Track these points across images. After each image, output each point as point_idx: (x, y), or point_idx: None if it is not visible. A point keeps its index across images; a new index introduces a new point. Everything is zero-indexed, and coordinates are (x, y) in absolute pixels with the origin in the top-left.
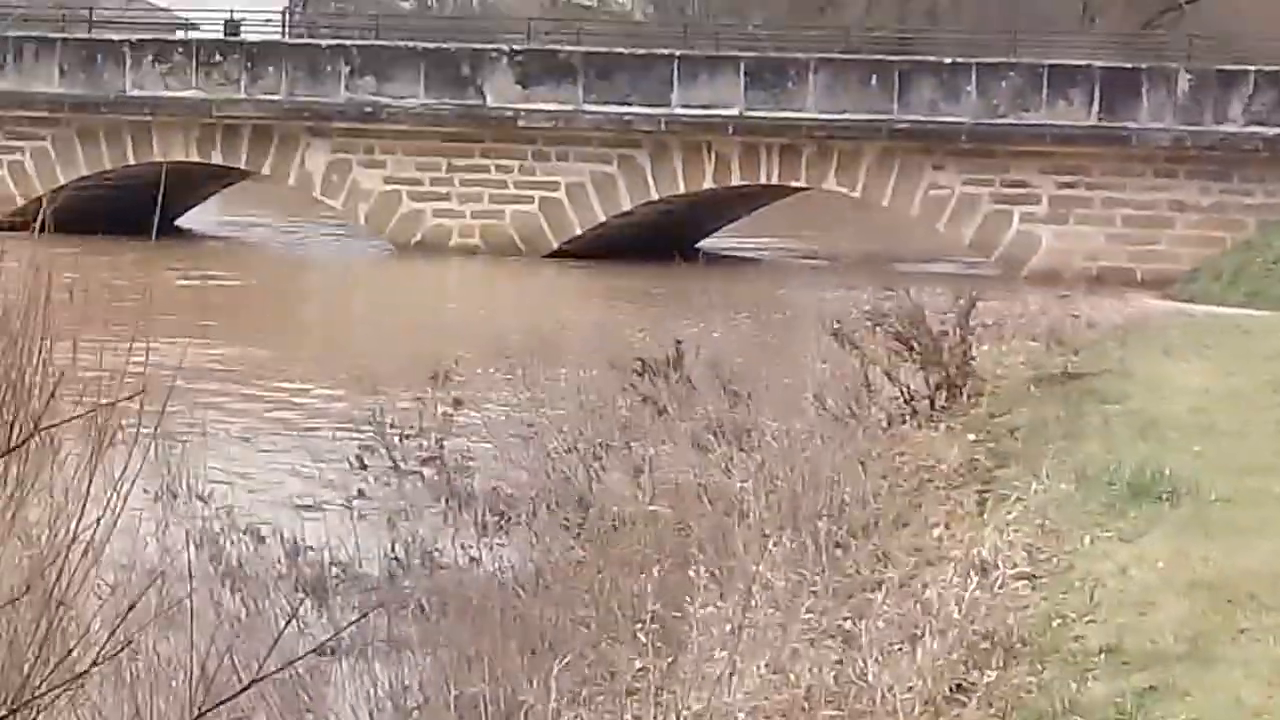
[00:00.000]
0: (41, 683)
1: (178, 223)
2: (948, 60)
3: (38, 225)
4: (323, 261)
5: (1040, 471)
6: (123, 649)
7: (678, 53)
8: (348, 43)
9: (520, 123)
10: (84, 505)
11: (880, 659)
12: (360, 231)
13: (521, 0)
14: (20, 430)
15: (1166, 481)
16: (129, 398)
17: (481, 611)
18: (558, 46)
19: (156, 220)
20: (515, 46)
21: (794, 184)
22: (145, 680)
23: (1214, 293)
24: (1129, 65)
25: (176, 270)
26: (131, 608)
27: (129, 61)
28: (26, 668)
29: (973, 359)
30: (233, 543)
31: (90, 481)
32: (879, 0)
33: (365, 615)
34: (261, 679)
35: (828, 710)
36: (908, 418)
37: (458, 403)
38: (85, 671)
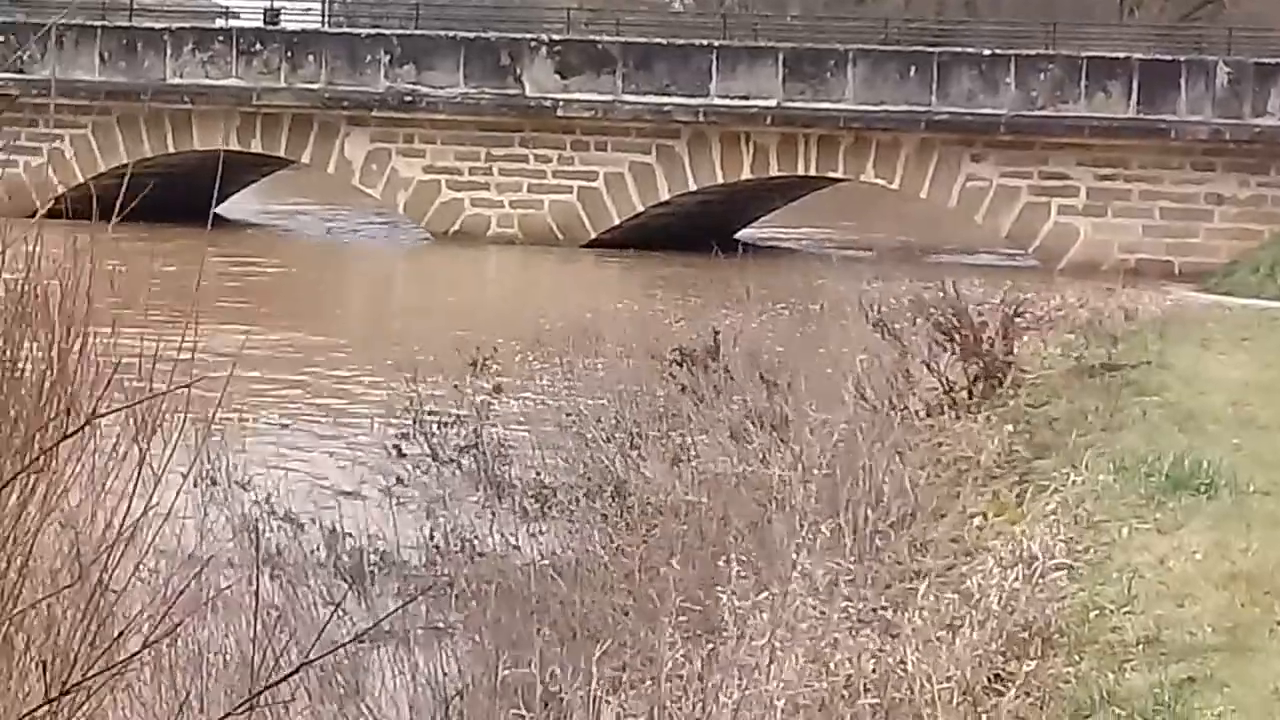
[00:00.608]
0: (87, 669)
1: (217, 210)
2: (986, 52)
3: (95, 210)
4: (361, 250)
5: (1079, 463)
6: (167, 635)
7: (716, 43)
8: (387, 31)
9: (559, 112)
10: (133, 493)
11: (919, 649)
12: (399, 220)
13: None
14: (72, 418)
15: (1205, 473)
16: (181, 387)
17: (521, 598)
18: (596, 37)
19: (213, 206)
20: (554, 36)
21: (832, 175)
22: (188, 666)
23: (1251, 285)
24: (1167, 58)
25: (217, 258)
26: (181, 593)
27: (169, 50)
28: (71, 654)
29: (1012, 350)
30: (273, 530)
31: (139, 469)
32: None
33: (412, 599)
34: (310, 663)
35: (866, 699)
36: (946, 408)
37: (497, 389)
38: (131, 657)
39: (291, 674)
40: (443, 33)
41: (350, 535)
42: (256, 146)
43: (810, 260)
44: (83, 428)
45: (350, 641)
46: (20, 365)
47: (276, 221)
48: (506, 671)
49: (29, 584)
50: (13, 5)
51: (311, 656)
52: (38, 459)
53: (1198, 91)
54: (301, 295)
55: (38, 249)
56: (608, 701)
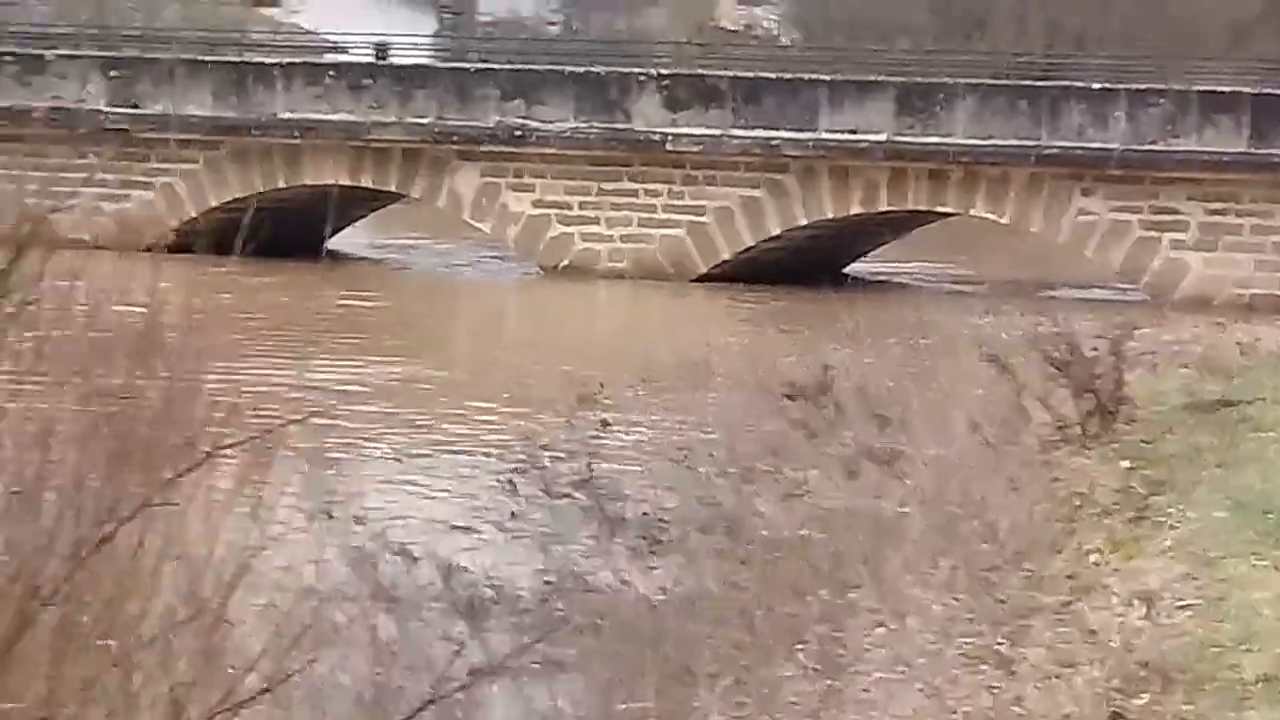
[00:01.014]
0: (207, 706)
1: (327, 245)
2: (1096, 86)
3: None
4: (472, 284)
5: (1195, 499)
6: (288, 677)
7: (825, 77)
8: (497, 66)
9: (668, 147)
10: (250, 527)
11: (1037, 686)
12: (509, 254)
13: (668, 24)
14: (194, 452)
15: None
16: (298, 421)
17: (635, 634)
18: (705, 71)
19: (327, 236)
20: (663, 71)
21: (941, 209)
22: (303, 702)
23: None
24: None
25: (330, 292)
26: (304, 628)
27: (280, 85)
28: (186, 693)
29: (1125, 385)
30: (387, 564)
31: (256, 503)
32: (1027, 25)
33: (540, 638)
34: (431, 702)
35: None
36: (1060, 444)
37: (605, 424)
38: (250, 699)
39: (414, 714)
40: (552, 67)
41: (464, 569)
42: (367, 181)
43: (920, 295)
44: (204, 462)
45: (471, 682)
46: (141, 399)
47: (388, 256)
48: (622, 707)
49: (147, 618)
50: (124, 41)
51: (428, 694)
52: (160, 493)
53: None
54: (413, 329)
55: (155, 283)
56: None
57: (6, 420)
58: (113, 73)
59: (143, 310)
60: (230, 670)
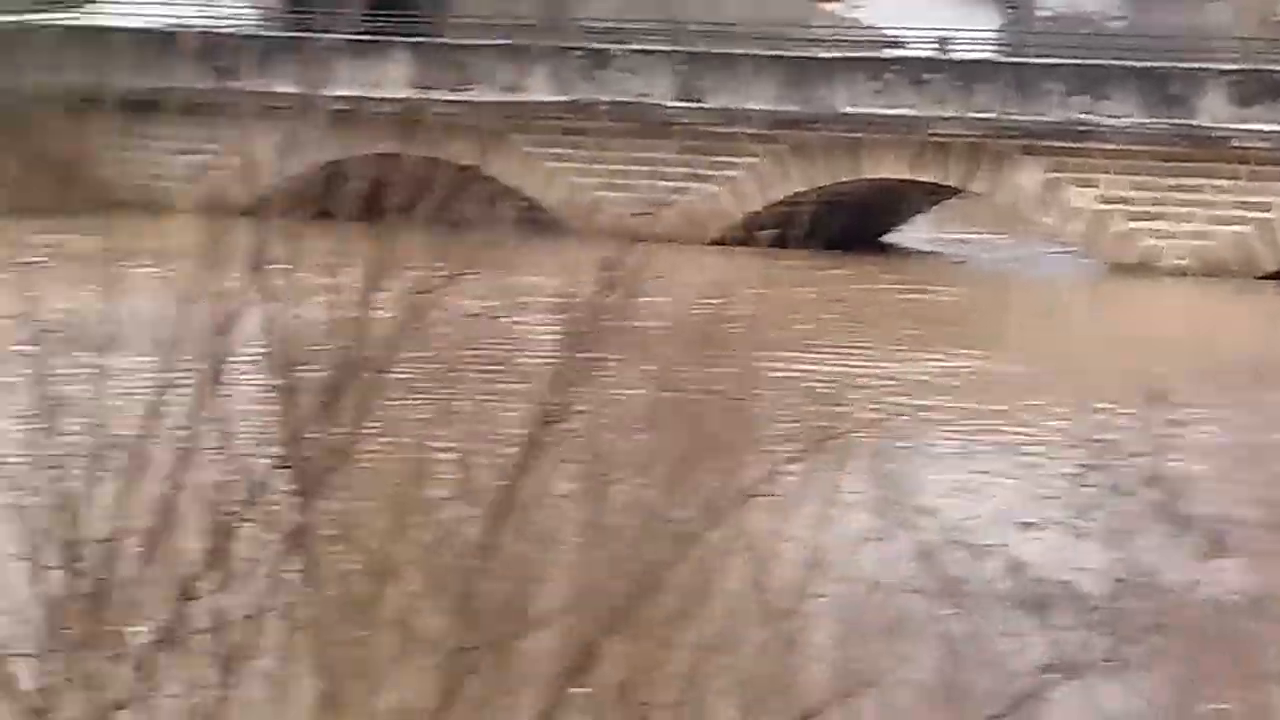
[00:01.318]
0: (781, 704)
1: (883, 239)
2: None
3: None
4: (1035, 279)
5: None
6: (878, 679)
7: None
8: (1060, 61)
9: (1234, 143)
10: (830, 521)
11: None
12: (1070, 249)
13: (1233, 19)
14: (792, 447)
15: None
16: (893, 417)
17: (1204, 634)
18: (1274, 66)
19: (885, 234)
20: (1229, 66)
21: None
22: (873, 698)
23: None
24: None
25: (891, 285)
26: (883, 625)
27: (841, 79)
28: (763, 688)
29: None
30: (955, 558)
31: (825, 496)
32: None
33: (1113, 636)
34: (1025, 698)
35: None
36: None
37: (1176, 423)
38: (845, 696)
39: (1003, 714)
40: (1115, 62)
41: (1032, 565)
42: (928, 176)
43: None
44: (811, 452)
45: (1050, 682)
46: (724, 389)
47: (947, 250)
48: (1201, 708)
49: (722, 609)
50: (692, 35)
51: (1016, 694)
52: (760, 483)
53: None
54: (978, 324)
55: (728, 275)
56: None
57: (593, 405)
58: (678, 67)
59: (720, 301)
60: (804, 665)
